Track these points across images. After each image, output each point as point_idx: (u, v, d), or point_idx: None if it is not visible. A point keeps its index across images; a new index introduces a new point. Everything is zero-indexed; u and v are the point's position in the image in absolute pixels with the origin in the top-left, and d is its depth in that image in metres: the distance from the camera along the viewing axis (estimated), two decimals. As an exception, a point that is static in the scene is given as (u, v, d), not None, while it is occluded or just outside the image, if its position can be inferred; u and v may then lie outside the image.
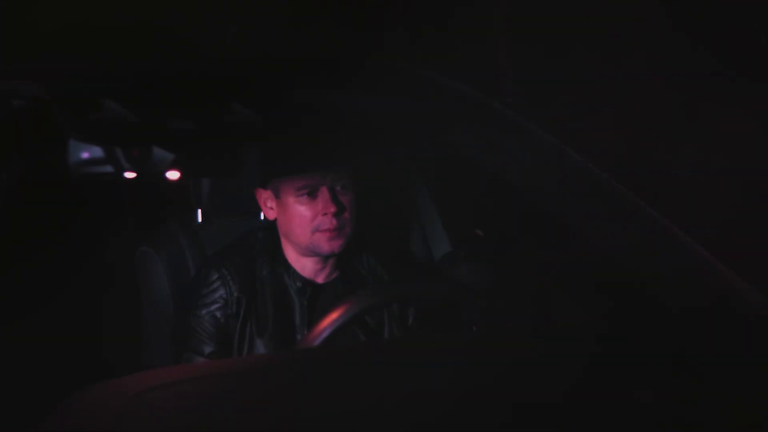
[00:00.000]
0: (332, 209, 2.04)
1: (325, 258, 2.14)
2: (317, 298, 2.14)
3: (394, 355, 1.36)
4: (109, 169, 1.58)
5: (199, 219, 2.36)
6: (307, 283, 2.13)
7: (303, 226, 2.07)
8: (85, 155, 1.52)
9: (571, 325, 1.52)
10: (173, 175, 1.90)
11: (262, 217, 2.36)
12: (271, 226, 2.22)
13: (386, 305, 2.12)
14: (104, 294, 2.63)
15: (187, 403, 1.10)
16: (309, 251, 2.10)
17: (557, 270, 1.94)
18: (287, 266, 2.14)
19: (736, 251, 1.51)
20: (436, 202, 2.66)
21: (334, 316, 1.66)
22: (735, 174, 2.83)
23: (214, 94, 1.31)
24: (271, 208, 2.15)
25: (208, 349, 2.05)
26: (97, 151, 1.51)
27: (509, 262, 2.37)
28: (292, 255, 2.15)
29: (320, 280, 2.17)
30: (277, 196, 2.11)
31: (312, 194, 2.06)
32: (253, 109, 1.32)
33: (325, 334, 1.65)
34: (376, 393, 1.17)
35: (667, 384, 1.24)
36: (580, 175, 1.55)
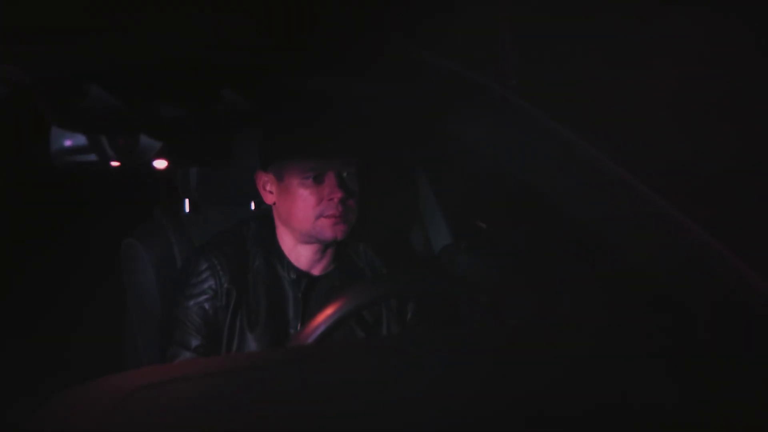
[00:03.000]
0: (339, 195, 2.04)
1: (323, 247, 2.14)
2: (312, 290, 2.14)
3: (392, 353, 1.38)
4: (93, 157, 1.58)
5: (187, 209, 2.37)
6: (302, 275, 2.14)
7: (306, 210, 2.07)
8: (67, 143, 1.52)
9: (575, 321, 1.53)
10: (160, 164, 1.90)
11: (252, 207, 2.37)
12: (263, 215, 2.23)
13: (383, 301, 2.14)
14: (89, 289, 2.63)
15: (176, 402, 1.11)
16: (310, 238, 2.10)
17: (563, 264, 1.95)
18: (281, 257, 2.15)
19: (751, 247, 1.52)
20: (436, 191, 2.67)
21: (328, 312, 1.68)
22: (747, 171, 2.84)
23: (209, 79, 1.32)
24: (271, 192, 2.14)
25: (194, 343, 2.05)
26: (81, 139, 1.51)
27: (513, 255, 2.38)
28: (288, 244, 2.15)
29: (316, 272, 2.17)
30: (279, 179, 2.11)
31: (318, 179, 2.06)
32: (255, 95, 1.33)
33: (319, 331, 1.67)
34: (373, 392, 1.19)
35: (676, 382, 1.26)
36: (588, 163, 1.56)
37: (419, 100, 1.56)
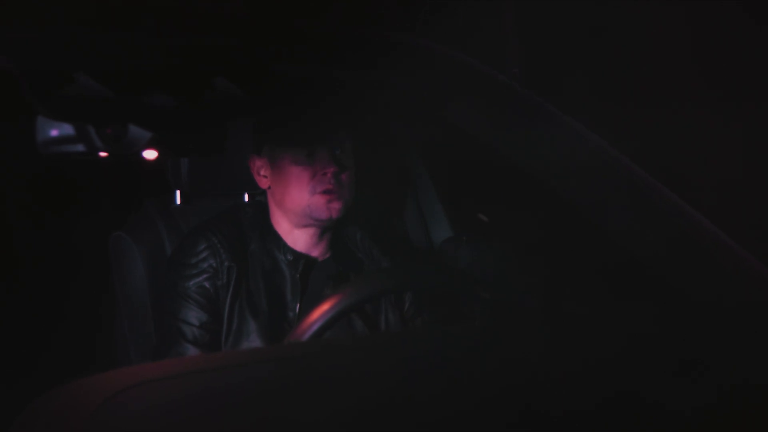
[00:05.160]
0: (332, 169, 2.06)
1: (320, 231, 2.16)
2: (309, 272, 2.16)
3: (390, 351, 1.38)
4: (80, 148, 1.58)
5: (178, 201, 2.37)
6: (300, 256, 2.15)
7: (301, 187, 2.08)
8: (54, 133, 1.51)
9: (579, 319, 1.53)
10: (150, 154, 1.89)
11: (246, 198, 2.37)
12: (259, 201, 2.24)
13: (382, 297, 2.14)
14: (77, 284, 2.63)
15: (167, 402, 1.11)
16: (306, 217, 2.11)
17: (566, 257, 1.95)
18: (278, 240, 2.16)
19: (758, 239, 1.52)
20: (437, 184, 2.67)
21: (325, 307, 1.68)
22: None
23: (201, 67, 1.31)
24: (265, 177, 2.16)
25: (201, 319, 2.05)
26: (68, 129, 1.50)
27: (515, 249, 2.38)
28: (284, 228, 2.16)
29: (314, 254, 2.19)
30: (273, 162, 2.13)
31: (310, 156, 2.08)
32: (245, 81, 1.33)
33: (316, 327, 1.67)
34: (370, 391, 1.19)
35: (679, 379, 1.26)
36: (592, 154, 1.55)
37: (419, 89, 1.56)
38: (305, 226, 2.14)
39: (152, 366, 1.36)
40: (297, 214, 2.12)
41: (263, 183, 2.18)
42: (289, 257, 2.14)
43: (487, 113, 1.58)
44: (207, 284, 2.07)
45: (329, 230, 2.18)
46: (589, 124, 1.56)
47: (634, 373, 1.26)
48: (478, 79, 1.60)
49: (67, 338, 2.64)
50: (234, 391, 1.15)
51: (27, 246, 2.71)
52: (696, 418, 1.16)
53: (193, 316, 2.04)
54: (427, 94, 1.57)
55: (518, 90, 1.61)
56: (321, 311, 1.67)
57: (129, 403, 1.07)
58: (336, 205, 2.09)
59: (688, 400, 1.19)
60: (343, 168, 2.09)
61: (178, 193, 2.36)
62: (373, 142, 2.25)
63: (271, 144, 2.12)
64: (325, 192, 2.07)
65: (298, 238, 2.16)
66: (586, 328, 1.43)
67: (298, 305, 2.10)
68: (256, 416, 1.09)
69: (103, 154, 1.52)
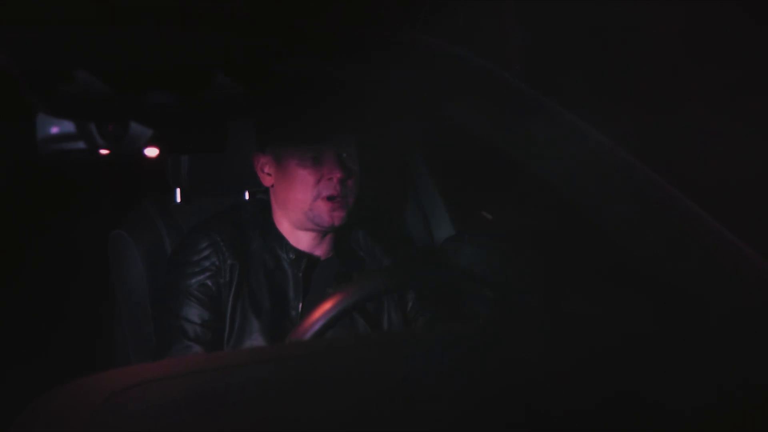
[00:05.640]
0: (338, 174, 2.06)
1: (321, 234, 2.16)
2: (312, 270, 2.16)
3: (391, 350, 1.38)
4: (80, 146, 1.58)
5: (178, 199, 2.37)
6: (302, 255, 2.15)
7: (305, 191, 2.08)
8: (54, 131, 1.52)
9: (579, 319, 1.53)
10: (151, 152, 1.90)
11: (246, 197, 2.38)
12: (259, 200, 2.24)
13: (387, 294, 2.14)
14: (77, 284, 2.63)
15: (167, 402, 1.11)
16: (308, 221, 2.11)
17: (570, 259, 1.95)
18: (280, 239, 2.16)
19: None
20: (439, 182, 2.67)
21: (327, 306, 1.68)
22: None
23: (203, 65, 1.32)
24: (269, 174, 2.16)
25: (204, 317, 2.05)
26: (68, 127, 1.51)
27: (518, 248, 2.38)
28: (286, 228, 2.16)
29: (317, 253, 2.19)
30: (277, 161, 2.12)
31: (317, 159, 2.08)
32: (245, 81, 1.33)
33: (317, 326, 1.67)
34: (370, 390, 1.19)
35: (685, 379, 1.26)
36: (598, 154, 1.55)
37: (419, 88, 1.56)
38: (306, 229, 2.14)
39: (152, 366, 1.37)
40: (298, 216, 2.12)
41: (267, 181, 2.18)
42: (292, 256, 2.14)
43: (489, 112, 1.58)
44: (209, 282, 2.07)
45: (330, 231, 2.18)
46: (588, 122, 1.56)
47: (634, 373, 1.26)
48: (479, 77, 1.60)
49: (67, 338, 2.64)
50: (234, 391, 1.15)
51: (27, 246, 2.72)
52: (696, 418, 1.16)
53: (195, 313, 2.04)
54: (427, 94, 1.57)
55: (520, 87, 1.61)
56: (323, 310, 1.67)
57: (129, 403, 1.08)
58: (339, 213, 2.09)
59: (688, 400, 1.19)
60: (350, 174, 2.09)
61: (178, 191, 2.36)
62: (373, 141, 2.25)
63: (276, 142, 2.12)
64: (329, 198, 2.07)
65: (300, 237, 2.16)
66: (586, 327, 1.43)
67: (300, 304, 2.10)
68: (256, 416, 1.10)
69: (104, 151, 1.53)
